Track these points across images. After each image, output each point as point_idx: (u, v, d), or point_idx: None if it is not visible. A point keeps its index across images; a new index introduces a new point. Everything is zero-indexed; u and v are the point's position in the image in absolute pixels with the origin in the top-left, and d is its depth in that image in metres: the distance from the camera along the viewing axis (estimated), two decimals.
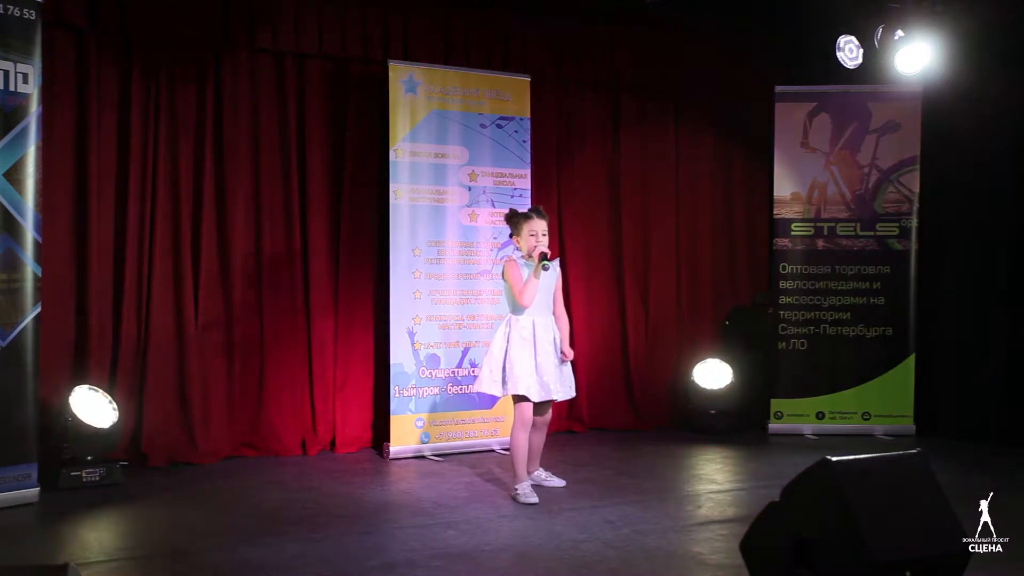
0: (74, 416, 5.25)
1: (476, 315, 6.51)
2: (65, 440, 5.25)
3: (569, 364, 5.17)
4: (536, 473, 5.32)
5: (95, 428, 5.31)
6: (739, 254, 7.98)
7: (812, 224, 7.13)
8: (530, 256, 4.98)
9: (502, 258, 6.57)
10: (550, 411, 5.23)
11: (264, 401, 6.28)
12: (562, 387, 5.07)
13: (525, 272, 4.97)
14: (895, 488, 3.08)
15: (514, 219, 5.09)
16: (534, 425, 5.15)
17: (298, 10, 6.28)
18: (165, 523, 4.68)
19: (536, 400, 5.00)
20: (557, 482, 5.30)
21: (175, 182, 6.05)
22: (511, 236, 5.13)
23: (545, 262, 4.90)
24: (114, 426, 5.41)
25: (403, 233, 6.28)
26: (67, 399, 5.30)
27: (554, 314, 5.15)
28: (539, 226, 4.98)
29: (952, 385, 6.99)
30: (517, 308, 5.01)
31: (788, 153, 7.14)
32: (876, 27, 6.69)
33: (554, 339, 5.07)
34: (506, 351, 4.98)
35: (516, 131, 6.67)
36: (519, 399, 5.03)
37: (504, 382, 4.99)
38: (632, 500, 5.07)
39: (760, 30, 7.85)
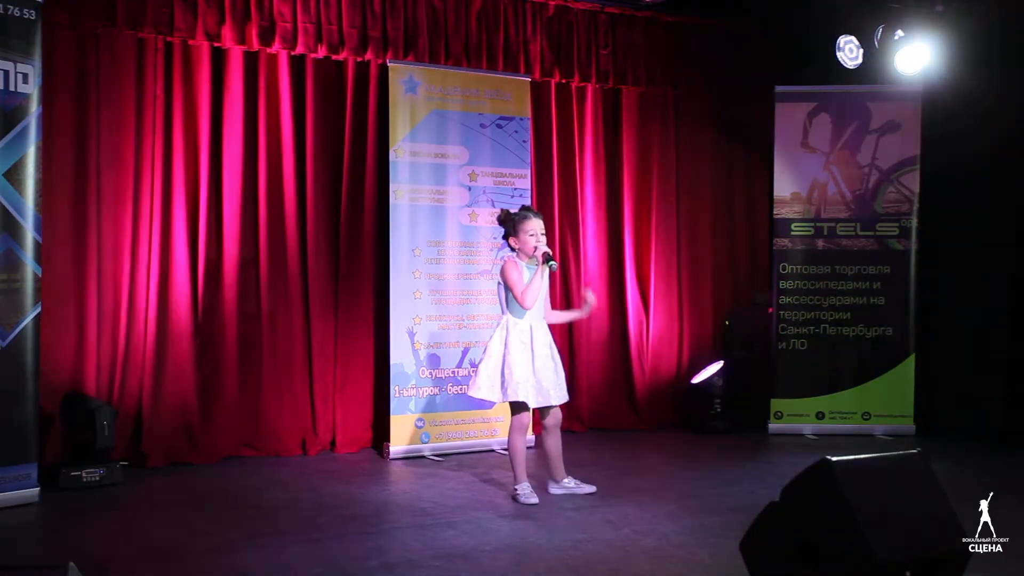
0: None
1: (476, 315, 6.51)
2: None
3: (562, 368, 5.07)
4: (565, 481, 5.20)
5: None
6: (739, 254, 7.99)
7: (812, 224, 7.13)
8: (532, 257, 4.92)
9: (502, 259, 6.58)
10: (558, 411, 5.11)
11: (264, 401, 6.28)
12: (560, 390, 5.00)
13: (526, 273, 4.91)
14: (895, 488, 3.08)
15: (509, 220, 4.98)
16: (545, 429, 5.11)
17: (297, 9, 6.28)
18: (165, 523, 4.68)
19: (534, 406, 4.95)
20: (587, 488, 5.16)
21: (174, 181, 6.05)
22: (505, 237, 5.02)
23: (551, 263, 4.83)
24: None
25: (403, 233, 6.28)
26: None
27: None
28: (536, 226, 4.88)
29: (952, 385, 6.99)
30: (517, 310, 4.92)
31: (788, 153, 7.14)
32: (876, 27, 6.69)
33: (550, 344, 5.01)
34: (503, 356, 4.90)
35: (516, 131, 6.67)
36: (517, 406, 4.98)
37: (503, 388, 4.91)
38: (632, 500, 5.07)
39: (760, 30, 7.85)
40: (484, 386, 4.95)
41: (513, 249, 4.98)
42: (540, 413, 5.10)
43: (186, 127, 6.10)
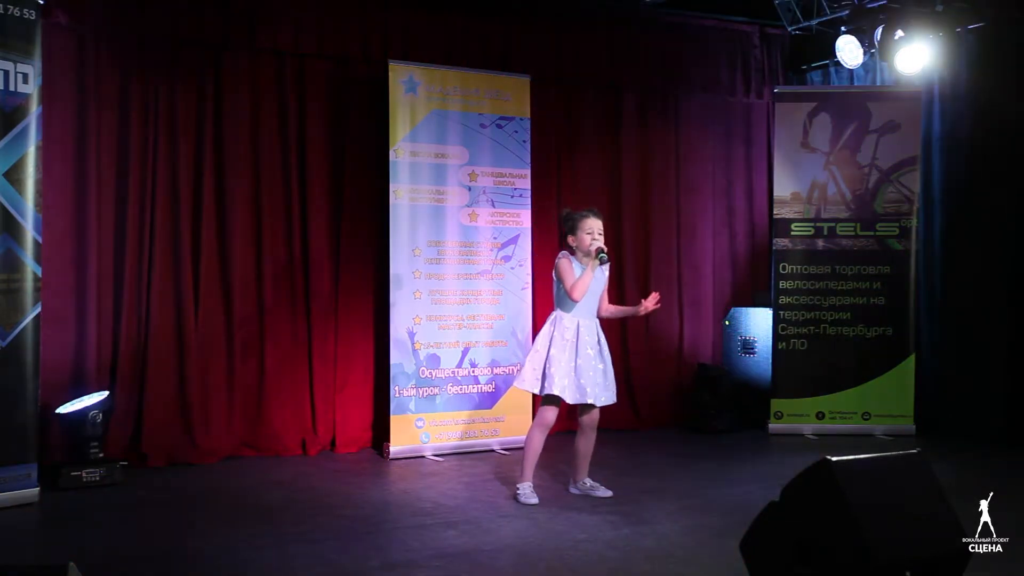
0: None
1: (476, 315, 6.51)
2: None
3: (612, 370, 5.09)
4: (583, 482, 5.22)
5: None
6: (739, 254, 7.99)
7: (812, 224, 7.13)
8: (587, 254, 4.97)
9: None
10: (595, 413, 5.11)
11: (264, 401, 6.28)
12: (604, 392, 5.01)
13: (578, 269, 4.96)
14: (895, 488, 3.08)
15: (570, 219, 5.06)
16: (580, 429, 5.14)
17: (298, 10, 6.29)
18: (165, 523, 4.68)
19: (570, 402, 4.97)
20: (604, 492, 5.16)
21: (175, 182, 6.06)
22: (566, 236, 5.08)
23: (602, 255, 4.91)
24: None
25: (403, 233, 6.28)
26: None
27: (599, 314, 5.09)
28: (595, 225, 4.99)
29: (952, 385, 6.99)
30: (566, 304, 4.97)
31: (788, 153, 7.14)
32: (876, 27, 6.70)
33: (598, 343, 5.03)
34: (548, 349, 4.94)
35: (516, 131, 6.67)
36: (547, 400, 5.00)
37: (543, 380, 4.94)
38: (632, 500, 5.06)
39: (760, 30, 7.85)
40: (529, 378, 5.01)
41: (571, 248, 5.04)
42: (578, 411, 5.12)
43: (187, 126, 6.10)
